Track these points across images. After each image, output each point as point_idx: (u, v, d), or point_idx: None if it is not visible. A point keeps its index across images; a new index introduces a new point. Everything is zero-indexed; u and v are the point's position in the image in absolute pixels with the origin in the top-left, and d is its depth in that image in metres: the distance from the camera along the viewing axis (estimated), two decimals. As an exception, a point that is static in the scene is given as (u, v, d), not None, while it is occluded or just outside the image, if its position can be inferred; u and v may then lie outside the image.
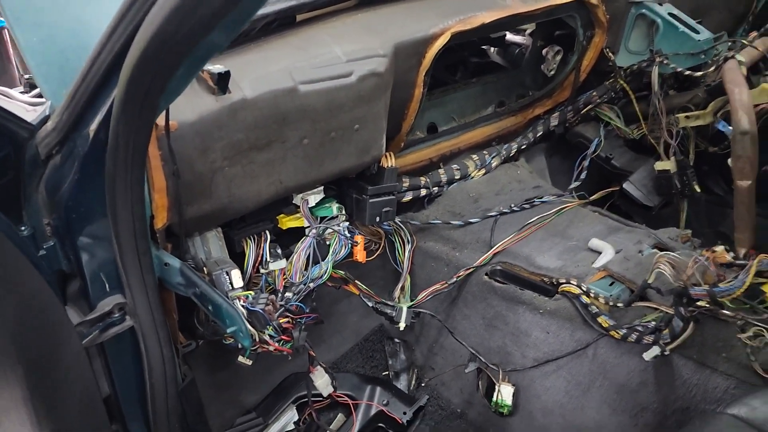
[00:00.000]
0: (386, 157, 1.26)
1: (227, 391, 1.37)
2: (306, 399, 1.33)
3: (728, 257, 1.27)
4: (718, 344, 1.15)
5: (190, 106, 0.90)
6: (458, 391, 1.51)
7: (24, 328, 0.72)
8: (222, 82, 0.91)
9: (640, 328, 1.21)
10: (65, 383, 0.80)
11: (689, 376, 1.16)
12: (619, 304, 1.25)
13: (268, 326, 0.97)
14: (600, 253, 1.40)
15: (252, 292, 0.97)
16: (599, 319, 1.25)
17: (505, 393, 1.35)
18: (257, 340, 0.96)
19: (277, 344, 1.03)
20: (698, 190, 1.63)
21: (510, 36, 1.86)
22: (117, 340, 0.97)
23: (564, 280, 1.32)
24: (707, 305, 1.17)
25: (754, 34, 1.63)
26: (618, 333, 1.22)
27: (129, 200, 0.85)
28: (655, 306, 1.22)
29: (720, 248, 1.32)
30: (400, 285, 1.45)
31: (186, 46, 0.61)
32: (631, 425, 1.23)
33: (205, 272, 0.99)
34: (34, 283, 0.75)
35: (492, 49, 1.87)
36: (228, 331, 0.93)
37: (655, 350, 1.17)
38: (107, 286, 0.94)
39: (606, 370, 1.26)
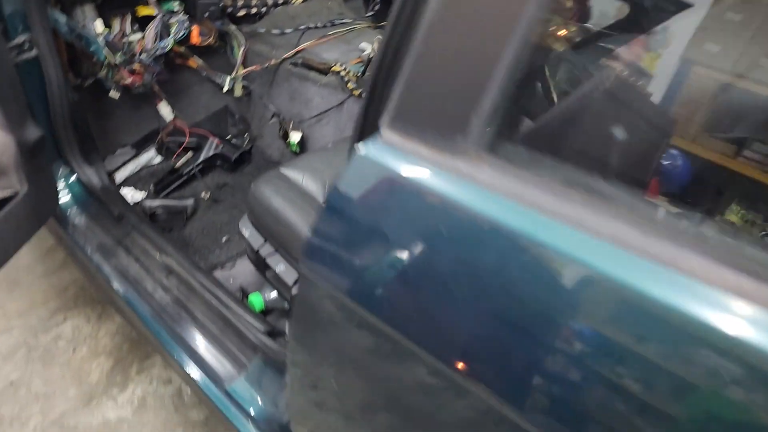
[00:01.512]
0: (211, -28, 1.91)
1: (109, 133, 2.05)
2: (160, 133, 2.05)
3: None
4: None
5: None
6: (276, 149, 2.26)
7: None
8: None
9: (368, 88, 1.95)
10: (4, 80, 1.46)
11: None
12: (360, 76, 1.99)
13: (118, 51, 1.65)
14: (364, 51, 2.12)
15: (108, 29, 1.65)
16: (349, 85, 1.99)
17: (294, 137, 2.09)
18: (114, 63, 1.66)
19: (131, 76, 1.73)
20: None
21: None
22: (27, 65, 1.63)
23: (334, 64, 2.04)
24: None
25: None
26: (357, 92, 1.97)
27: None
28: (378, 74, 1.97)
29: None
30: (234, 70, 2.14)
31: None
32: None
33: (81, 25, 1.65)
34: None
35: None
36: (91, 49, 1.61)
37: (373, 99, 1.93)
38: (20, 28, 1.59)
39: (353, 115, 2.02)
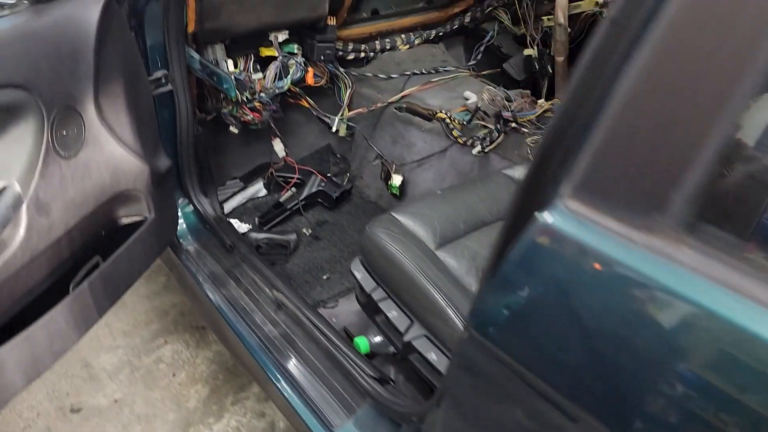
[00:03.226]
0: (329, 18, 1.99)
1: (221, 166, 2.14)
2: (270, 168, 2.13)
3: (539, 102, 2.03)
4: (515, 146, 1.92)
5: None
6: (375, 189, 2.30)
7: (131, 72, 1.47)
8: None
9: (474, 137, 1.98)
10: (141, 99, 1.56)
11: (497, 164, 1.93)
12: (465, 124, 2.02)
13: (246, 90, 1.74)
14: (468, 99, 2.16)
15: (237, 70, 1.74)
16: (453, 133, 2.02)
17: (396, 180, 2.13)
18: (239, 100, 1.74)
19: (251, 113, 1.81)
20: (551, 71, 2.36)
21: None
22: (160, 99, 1.72)
23: (438, 111, 2.07)
24: (513, 123, 1.94)
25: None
26: (462, 140, 1.99)
27: (175, 12, 1.59)
28: (485, 124, 1.99)
29: (541, 100, 2.08)
30: (341, 111, 2.21)
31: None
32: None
33: (213, 63, 1.75)
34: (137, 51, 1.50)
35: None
36: (224, 87, 1.69)
37: (478, 148, 1.95)
38: (159, 63, 1.69)
39: (454, 163, 2.04)
